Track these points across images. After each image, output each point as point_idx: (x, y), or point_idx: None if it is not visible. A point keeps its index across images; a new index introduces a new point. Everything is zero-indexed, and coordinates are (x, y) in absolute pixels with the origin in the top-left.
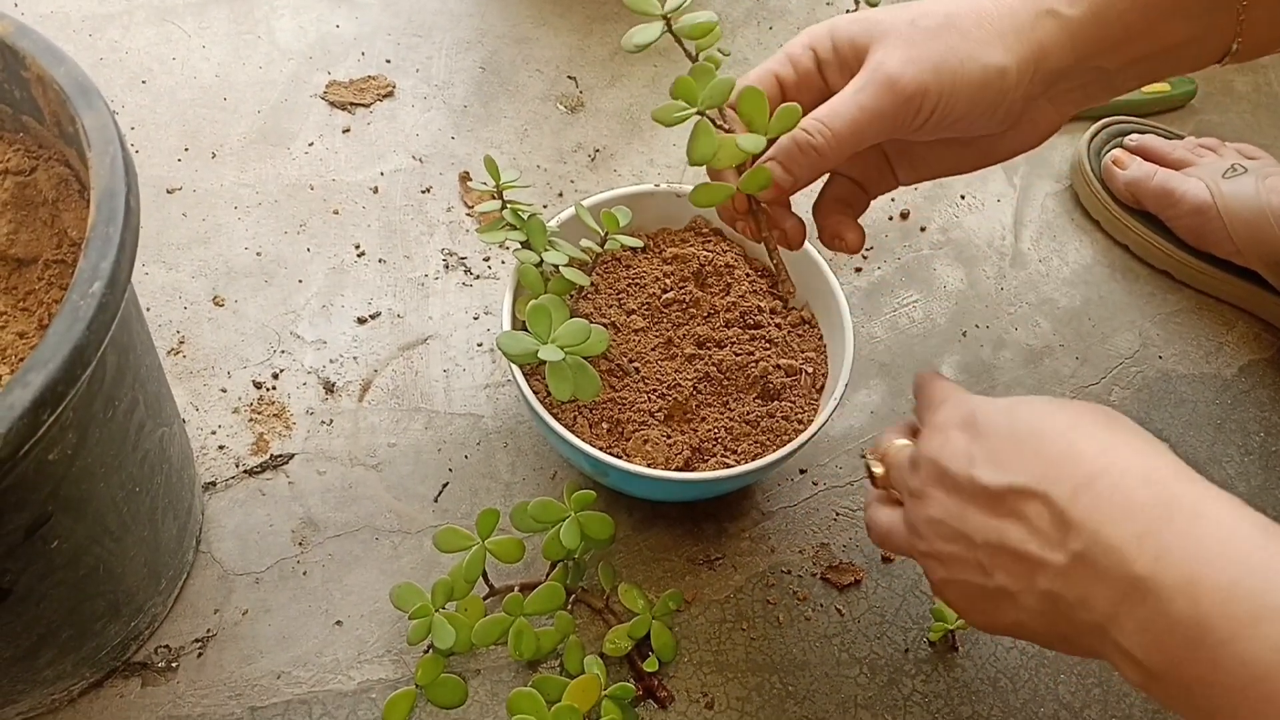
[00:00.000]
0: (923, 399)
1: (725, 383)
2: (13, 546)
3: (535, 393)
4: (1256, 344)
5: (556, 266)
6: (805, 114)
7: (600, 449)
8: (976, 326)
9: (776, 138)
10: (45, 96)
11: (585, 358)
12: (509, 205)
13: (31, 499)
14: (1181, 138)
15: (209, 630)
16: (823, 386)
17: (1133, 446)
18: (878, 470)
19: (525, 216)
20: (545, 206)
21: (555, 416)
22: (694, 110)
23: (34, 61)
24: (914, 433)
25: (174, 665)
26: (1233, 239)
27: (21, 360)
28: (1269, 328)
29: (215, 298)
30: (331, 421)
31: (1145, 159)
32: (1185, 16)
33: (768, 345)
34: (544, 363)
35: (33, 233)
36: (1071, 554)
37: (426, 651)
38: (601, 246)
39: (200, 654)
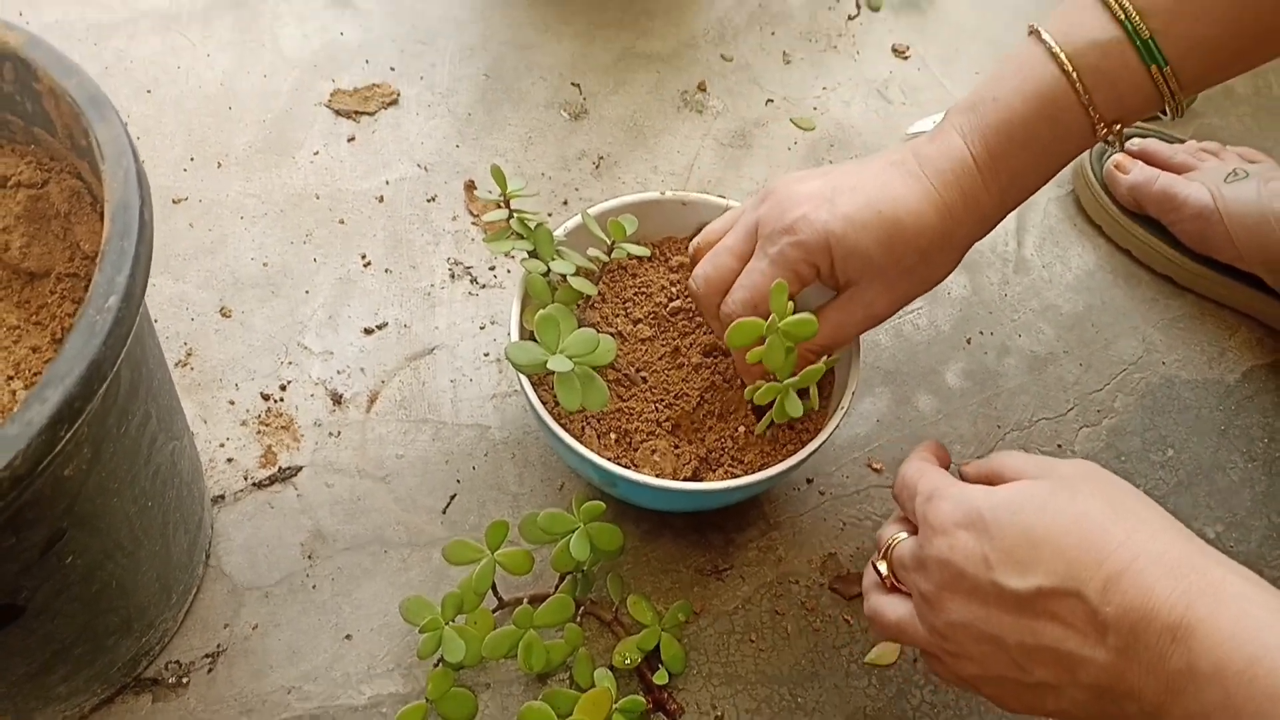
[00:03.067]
0: (907, 493)
1: (732, 392)
2: (29, 563)
3: (543, 402)
4: (1260, 349)
5: (564, 275)
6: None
7: (608, 459)
8: (981, 333)
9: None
10: (57, 109)
11: (593, 367)
12: (515, 214)
13: (47, 515)
14: (1183, 141)
15: (219, 645)
16: (829, 395)
17: (1148, 532)
18: (883, 570)
19: (532, 225)
20: (550, 214)
21: (563, 426)
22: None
23: (45, 73)
24: (909, 523)
25: (184, 681)
26: (1235, 243)
27: (36, 375)
28: (1272, 333)
29: (222, 309)
30: (339, 433)
31: (1147, 163)
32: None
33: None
34: (552, 373)
35: (45, 246)
36: (1113, 649)
37: (436, 665)
38: (608, 255)
39: (210, 669)
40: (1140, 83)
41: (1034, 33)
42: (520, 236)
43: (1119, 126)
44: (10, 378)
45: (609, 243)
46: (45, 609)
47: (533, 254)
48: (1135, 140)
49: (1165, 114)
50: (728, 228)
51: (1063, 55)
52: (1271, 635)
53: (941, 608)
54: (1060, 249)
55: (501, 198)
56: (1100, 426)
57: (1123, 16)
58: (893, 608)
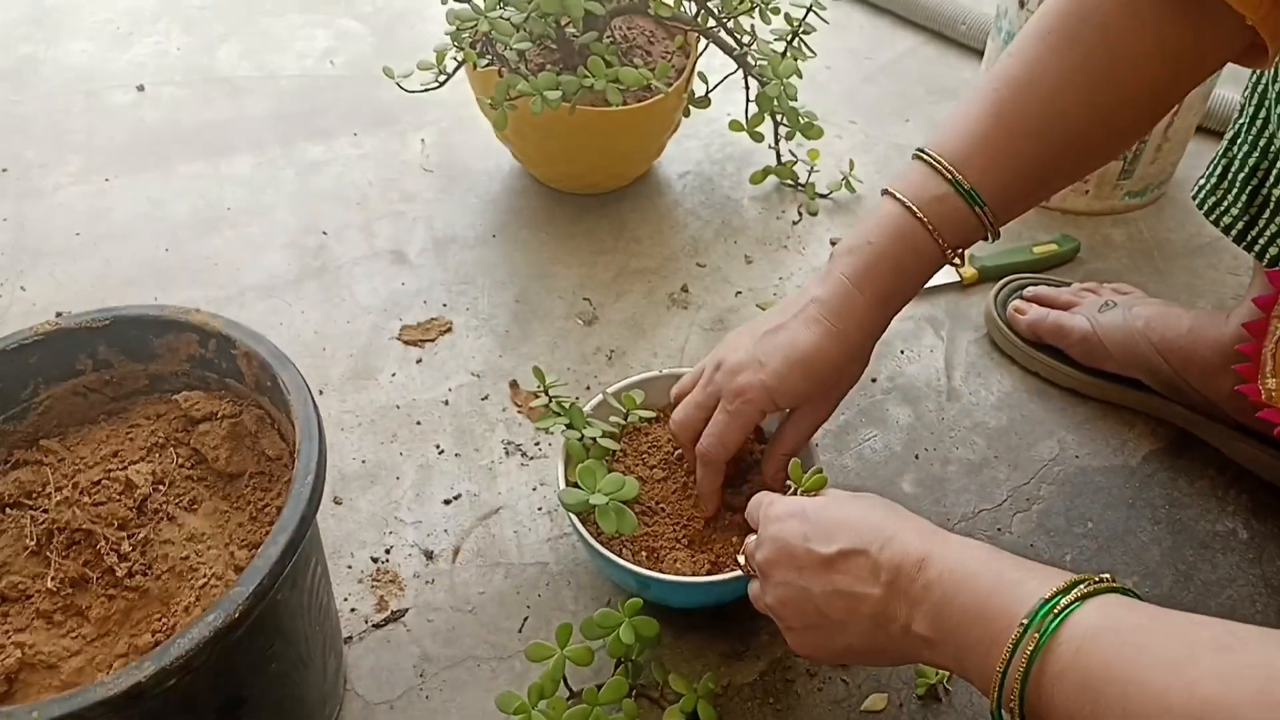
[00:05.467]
0: (753, 505)
1: (731, 514)
2: (254, 663)
3: (589, 533)
4: (1154, 437)
5: (594, 438)
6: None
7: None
8: (926, 450)
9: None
10: (249, 364)
11: (623, 501)
12: (553, 399)
13: (267, 627)
14: (1068, 284)
15: None
16: None
17: (911, 520)
18: (741, 560)
19: (566, 405)
20: (578, 397)
21: (606, 548)
22: None
23: (242, 343)
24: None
25: None
26: (1113, 356)
27: (245, 541)
28: (1163, 423)
29: (335, 498)
30: (433, 581)
31: (1040, 304)
32: (925, 278)
33: (759, 478)
34: (594, 508)
35: (241, 455)
36: (883, 585)
37: None
38: (625, 420)
39: None
40: (969, 219)
41: (889, 194)
42: (558, 414)
43: (961, 250)
44: (227, 544)
45: (625, 411)
46: (258, 705)
47: (569, 426)
48: (1029, 288)
49: (988, 238)
50: (694, 382)
51: (914, 208)
52: (976, 563)
53: (772, 575)
54: (982, 378)
55: (542, 388)
56: (1031, 511)
57: (950, 177)
58: (753, 588)
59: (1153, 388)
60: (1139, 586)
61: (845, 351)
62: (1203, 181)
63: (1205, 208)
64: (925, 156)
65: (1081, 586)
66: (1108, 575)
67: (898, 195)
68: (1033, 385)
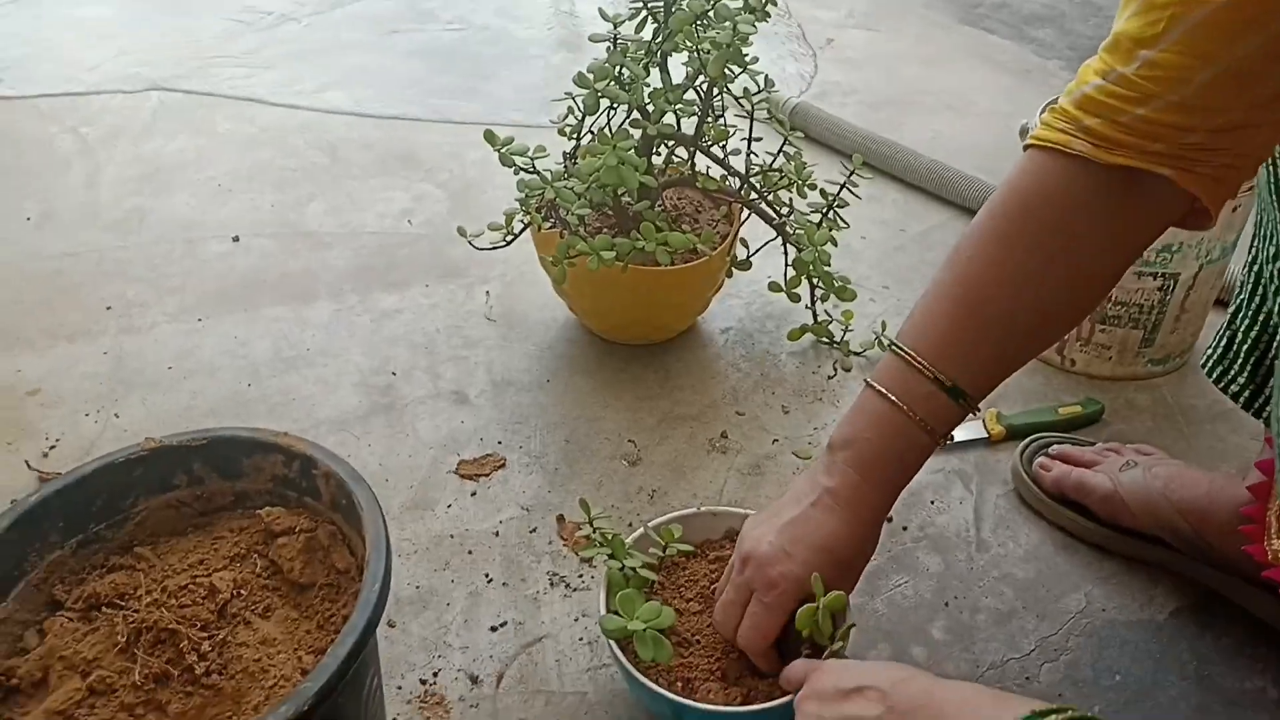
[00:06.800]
0: (796, 671)
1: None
2: None
3: (628, 661)
4: (1181, 594)
5: (634, 569)
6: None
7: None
8: (956, 598)
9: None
10: (327, 484)
11: (660, 631)
12: (598, 530)
13: None
14: (1093, 444)
15: None
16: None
17: (925, 675)
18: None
19: (609, 537)
20: (619, 533)
21: (643, 676)
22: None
23: (323, 464)
24: None
25: None
26: (1135, 515)
27: (312, 647)
28: (1191, 581)
29: (389, 621)
30: (478, 705)
31: (1064, 463)
32: (917, 456)
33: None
34: (632, 635)
35: (313, 568)
36: (885, 708)
37: None
38: (664, 553)
39: None
40: (954, 410)
41: (879, 393)
42: (601, 544)
43: (947, 436)
44: (295, 649)
45: (663, 544)
46: None
47: (611, 556)
48: (1054, 446)
49: (972, 416)
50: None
51: (906, 408)
52: (968, 694)
53: (801, 706)
54: (1011, 531)
55: (589, 520)
56: (1059, 662)
57: (932, 376)
58: None
59: (1176, 546)
60: None
61: (862, 534)
62: (1210, 352)
63: (1214, 376)
64: (905, 355)
65: (1054, 716)
66: (1072, 707)
67: (888, 395)
68: (1059, 539)
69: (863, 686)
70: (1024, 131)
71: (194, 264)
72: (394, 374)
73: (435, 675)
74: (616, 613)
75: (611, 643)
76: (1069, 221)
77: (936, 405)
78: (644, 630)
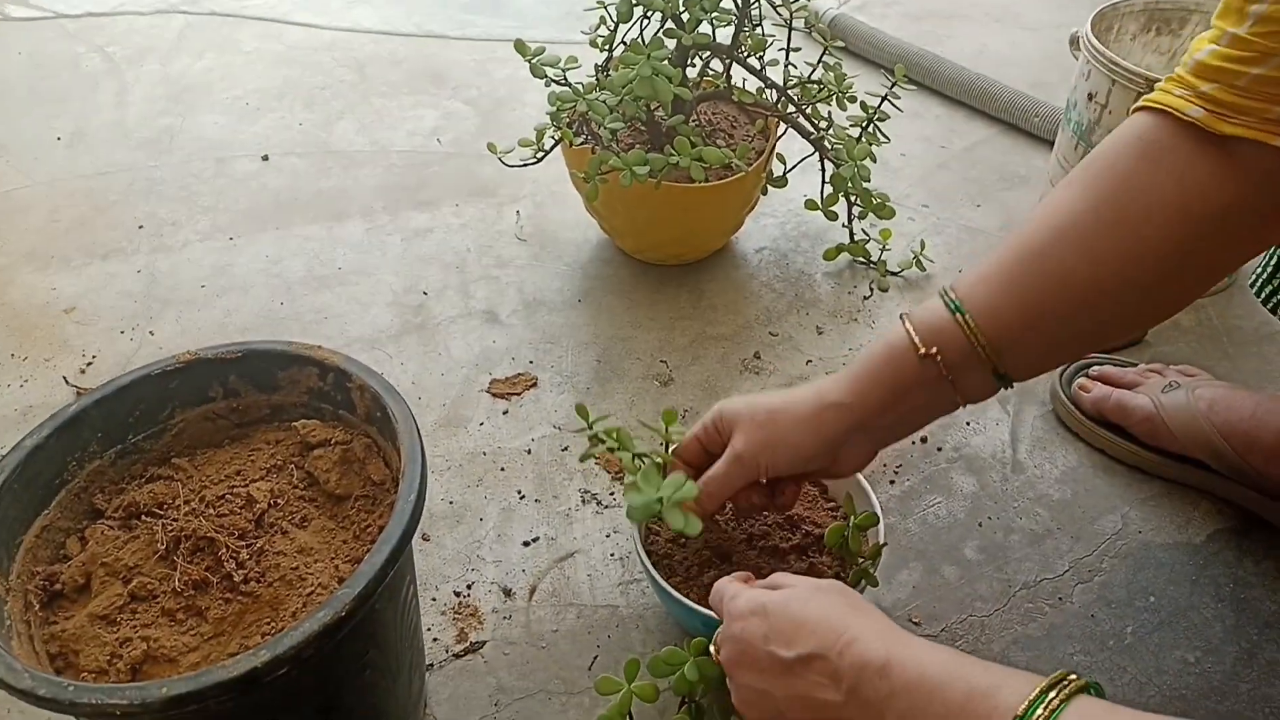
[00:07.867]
0: (717, 597)
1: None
2: (351, 668)
3: (658, 576)
4: (1220, 516)
5: (647, 455)
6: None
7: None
8: (990, 519)
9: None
10: (362, 397)
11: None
12: (594, 434)
13: (366, 632)
14: (1135, 365)
15: None
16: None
17: (868, 619)
18: (713, 650)
19: (613, 433)
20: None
21: (674, 589)
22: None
23: (357, 377)
24: None
25: None
26: (1176, 437)
27: (349, 557)
28: (1229, 504)
29: (424, 535)
30: (510, 617)
31: (1104, 384)
32: (921, 389)
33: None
34: (659, 513)
35: (349, 479)
36: (845, 691)
37: None
38: (666, 438)
39: None
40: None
41: (906, 332)
42: (601, 441)
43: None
44: (332, 559)
45: (664, 427)
46: (348, 712)
47: (618, 448)
48: (1095, 367)
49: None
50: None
51: (924, 350)
52: (943, 670)
53: (735, 675)
54: (1047, 452)
55: (587, 425)
56: (1092, 582)
57: (974, 342)
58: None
59: (1217, 469)
60: (1200, 663)
61: (811, 423)
62: (1259, 271)
63: (1262, 297)
64: (960, 320)
65: (1054, 693)
66: (1074, 675)
67: (913, 336)
68: (1097, 461)
69: (805, 656)
70: (1074, 40)
71: (225, 183)
72: (425, 293)
73: (469, 588)
74: (648, 552)
75: (642, 555)
76: (1155, 182)
77: (958, 350)
78: (671, 497)
